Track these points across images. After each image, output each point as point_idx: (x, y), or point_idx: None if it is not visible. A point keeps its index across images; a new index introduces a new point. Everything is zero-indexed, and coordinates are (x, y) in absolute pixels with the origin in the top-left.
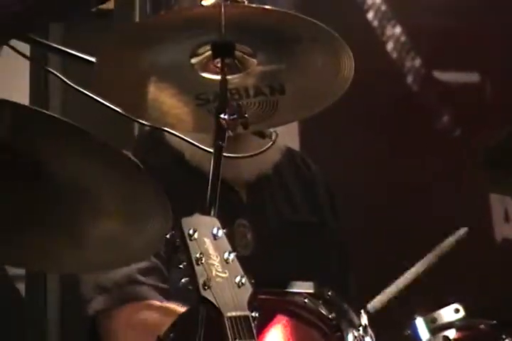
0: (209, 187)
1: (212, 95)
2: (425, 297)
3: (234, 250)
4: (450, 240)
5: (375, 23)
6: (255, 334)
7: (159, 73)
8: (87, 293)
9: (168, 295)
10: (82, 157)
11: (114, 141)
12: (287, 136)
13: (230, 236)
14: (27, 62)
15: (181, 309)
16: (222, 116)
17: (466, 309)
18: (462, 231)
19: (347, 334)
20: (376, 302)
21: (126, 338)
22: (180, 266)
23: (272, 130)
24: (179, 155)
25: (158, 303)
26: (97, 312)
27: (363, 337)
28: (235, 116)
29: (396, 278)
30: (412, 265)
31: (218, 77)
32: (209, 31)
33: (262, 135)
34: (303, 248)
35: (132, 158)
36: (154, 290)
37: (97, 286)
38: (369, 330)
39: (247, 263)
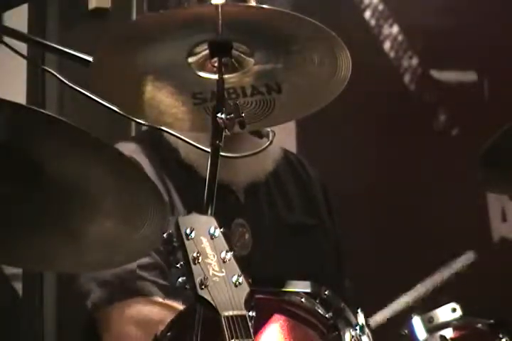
0: (206, 186)
1: (209, 94)
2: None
3: (231, 249)
4: (454, 266)
5: (372, 23)
6: (252, 334)
7: (156, 72)
8: (86, 284)
9: (168, 292)
10: (79, 156)
11: (111, 140)
12: (284, 137)
13: (228, 236)
14: (24, 61)
15: (182, 307)
16: (219, 115)
17: (463, 308)
18: (468, 257)
19: (344, 334)
20: (377, 318)
21: (128, 333)
22: (178, 265)
23: (269, 129)
24: (175, 153)
25: (160, 300)
26: (96, 305)
27: (360, 336)
28: (232, 115)
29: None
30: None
31: (215, 76)
32: (206, 30)
33: (259, 134)
34: (300, 248)
35: (130, 157)
36: (155, 286)
37: (97, 279)
38: (366, 329)
39: (246, 263)
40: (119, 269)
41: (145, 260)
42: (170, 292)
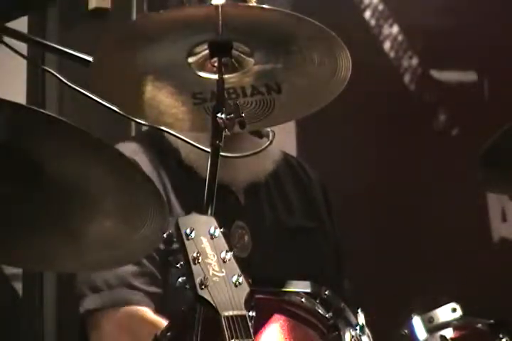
0: (206, 186)
1: (209, 94)
2: (422, 296)
3: (231, 249)
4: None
5: (372, 23)
6: (252, 334)
7: (156, 72)
8: (80, 289)
9: (160, 300)
10: (79, 156)
11: (111, 140)
12: (284, 137)
13: (227, 237)
14: (24, 61)
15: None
16: (219, 115)
17: (463, 308)
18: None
19: (344, 334)
20: None
21: (118, 339)
22: (178, 265)
23: (269, 129)
24: (175, 153)
25: (151, 313)
26: (86, 311)
27: (360, 336)
28: (232, 115)
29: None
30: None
31: (215, 76)
32: (206, 30)
33: (259, 134)
34: (300, 251)
35: (130, 157)
36: (146, 296)
37: (89, 284)
38: (366, 329)
39: (245, 265)
40: (111, 276)
41: (137, 267)
42: (163, 299)
